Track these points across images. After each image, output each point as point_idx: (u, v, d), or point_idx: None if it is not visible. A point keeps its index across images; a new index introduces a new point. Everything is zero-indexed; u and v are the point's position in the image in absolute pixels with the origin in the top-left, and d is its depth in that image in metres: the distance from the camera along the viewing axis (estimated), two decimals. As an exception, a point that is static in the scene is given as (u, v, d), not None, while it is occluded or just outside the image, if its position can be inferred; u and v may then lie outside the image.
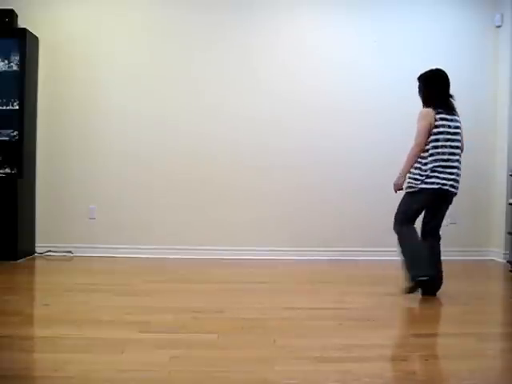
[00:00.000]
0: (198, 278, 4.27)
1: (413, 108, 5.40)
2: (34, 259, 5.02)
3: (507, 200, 5.15)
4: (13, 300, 3.43)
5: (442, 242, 5.32)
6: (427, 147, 3.61)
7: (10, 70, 4.93)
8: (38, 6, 5.17)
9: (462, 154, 3.76)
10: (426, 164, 3.61)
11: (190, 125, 5.25)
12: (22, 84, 4.87)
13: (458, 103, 5.39)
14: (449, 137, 3.63)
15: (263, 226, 5.26)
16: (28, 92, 4.96)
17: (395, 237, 5.29)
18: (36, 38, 5.09)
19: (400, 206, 3.75)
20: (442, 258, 5.36)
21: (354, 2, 5.34)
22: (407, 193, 3.73)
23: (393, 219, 3.74)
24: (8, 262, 4.69)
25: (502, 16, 5.32)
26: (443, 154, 3.60)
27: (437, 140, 3.59)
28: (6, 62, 4.94)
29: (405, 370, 2.28)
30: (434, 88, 3.70)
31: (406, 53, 5.37)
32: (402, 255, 3.63)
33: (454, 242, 5.38)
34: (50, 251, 5.14)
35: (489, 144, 5.42)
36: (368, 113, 5.35)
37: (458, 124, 3.73)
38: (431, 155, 3.60)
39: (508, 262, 4.95)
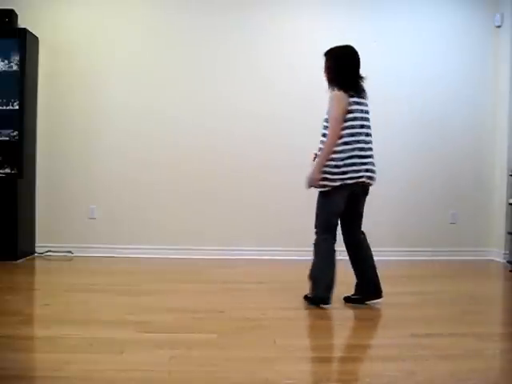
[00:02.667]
0: (198, 278, 4.27)
1: (413, 108, 5.44)
2: (33, 259, 5.02)
3: (507, 200, 5.16)
4: (13, 300, 3.43)
5: (441, 242, 5.41)
6: (341, 134, 3.23)
7: (10, 70, 4.93)
8: (38, 5, 5.17)
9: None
10: (341, 152, 3.24)
11: (191, 125, 5.24)
12: (22, 84, 4.87)
13: (457, 103, 5.46)
14: (363, 123, 3.32)
15: (264, 226, 5.26)
16: (28, 92, 4.96)
17: (395, 237, 5.35)
18: (36, 38, 5.09)
19: (319, 211, 3.36)
20: (442, 257, 5.40)
21: (354, 3, 5.33)
22: (323, 193, 3.32)
23: (314, 228, 3.38)
24: (8, 262, 4.69)
25: (502, 16, 5.32)
26: (359, 142, 3.27)
27: (352, 127, 3.26)
28: (6, 62, 4.94)
29: (405, 369, 2.28)
30: (346, 67, 3.35)
31: (405, 53, 5.37)
32: (313, 266, 3.37)
33: (454, 242, 5.40)
34: (49, 251, 5.14)
35: (489, 144, 5.42)
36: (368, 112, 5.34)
37: (368, 108, 3.42)
38: (346, 144, 3.24)
39: (508, 262, 4.95)
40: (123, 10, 5.25)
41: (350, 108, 3.26)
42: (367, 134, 3.36)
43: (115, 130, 5.23)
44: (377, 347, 2.59)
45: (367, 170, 3.32)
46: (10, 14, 4.89)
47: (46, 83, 5.19)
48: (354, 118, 3.28)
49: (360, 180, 3.28)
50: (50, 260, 5.00)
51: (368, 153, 3.35)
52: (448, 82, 5.39)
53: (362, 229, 3.54)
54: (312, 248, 3.39)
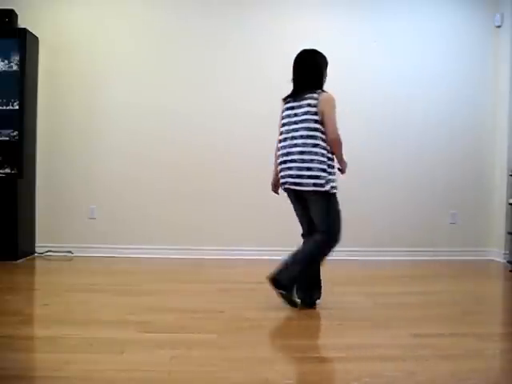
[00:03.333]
0: (198, 278, 4.27)
1: (413, 108, 5.45)
2: (33, 259, 5.02)
3: (507, 200, 5.16)
4: (13, 300, 3.43)
5: (441, 242, 5.40)
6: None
7: (10, 70, 4.94)
8: (38, 6, 5.18)
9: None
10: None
11: (192, 125, 5.25)
12: (22, 84, 4.87)
13: (457, 103, 5.46)
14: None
15: (264, 226, 5.26)
16: (28, 92, 4.96)
17: (395, 237, 5.35)
18: (36, 38, 5.09)
19: (336, 214, 3.38)
20: (442, 258, 5.40)
21: (354, 3, 5.34)
22: (334, 195, 3.34)
23: (329, 233, 3.34)
24: (8, 262, 4.69)
25: (502, 16, 5.32)
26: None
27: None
28: (6, 62, 4.95)
29: (405, 369, 2.28)
30: (326, 70, 3.40)
31: (405, 53, 5.37)
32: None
33: (454, 242, 5.40)
34: (49, 251, 5.14)
35: (489, 144, 5.43)
36: (367, 112, 5.35)
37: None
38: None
39: (508, 262, 4.95)
40: (123, 10, 5.25)
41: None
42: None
43: (115, 129, 5.23)
44: (377, 347, 2.59)
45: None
46: (10, 14, 4.89)
47: (46, 83, 5.19)
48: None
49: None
50: (49, 260, 5.00)
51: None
52: (448, 82, 5.39)
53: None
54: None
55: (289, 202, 3.52)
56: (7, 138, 4.94)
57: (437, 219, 5.40)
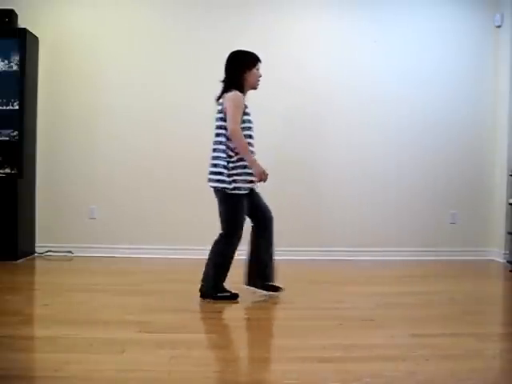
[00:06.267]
0: (198, 278, 4.26)
1: (413, 108, 5.44)
2: (34, 259, 5.02)
3: (507, 200, 5.15)
4: (13, 300, 3.43)
5: (441, 242, 5.40)
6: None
7: (10, 70, 4.93)
8: (38, 5, 5.17)
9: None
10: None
11: (193, 125, 5.22)
12: (22, 84, 4.87)
13: (457, 103, 5.45)
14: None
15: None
16: (28, 92, 4.96)
17: (395, 237, 5.35)
18: (36, 38, 5.09)
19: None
20: (442, 258, 5.41)
21: (354, 3, 5.33)
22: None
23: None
24: (8, 262, 4.68)
25: (502, 16, 5.32)
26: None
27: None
28: (6, 62, 4.94)
29: (405, 370, 2.28)
30: (247, 69, 3.50)
31: (405, 53, 5.36)
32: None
33: (454, 242, 5.40)
34: (49, 251, 5.14)
35: (489, 144, 5.42)
36: (366, 112, 5.35)
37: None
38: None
39: (508, 262, 4.95)
40: (123, 10, 5.24)
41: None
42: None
43: (116, 129, 5.23)
44: (377, 347, 2.59)
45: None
46: (10, 14, 4.89)
47: (46, 83, 5.18)
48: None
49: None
50: (50, 260, 5.00)
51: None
52: (448, 81, 5.39)
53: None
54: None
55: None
56: (7, 138, 4.94)
57: (437, 219, 5.39)
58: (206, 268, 3.50)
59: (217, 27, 5.24)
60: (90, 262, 4.87)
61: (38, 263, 4.89)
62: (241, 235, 3.45)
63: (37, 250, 5.19)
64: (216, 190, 3.39)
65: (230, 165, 3.33)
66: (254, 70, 3.50)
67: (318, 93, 5.32)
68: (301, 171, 5.31)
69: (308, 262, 5.06)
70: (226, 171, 3.32)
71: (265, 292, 3.55)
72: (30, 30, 4.94)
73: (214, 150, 3.39)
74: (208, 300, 3.43)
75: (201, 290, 3.48)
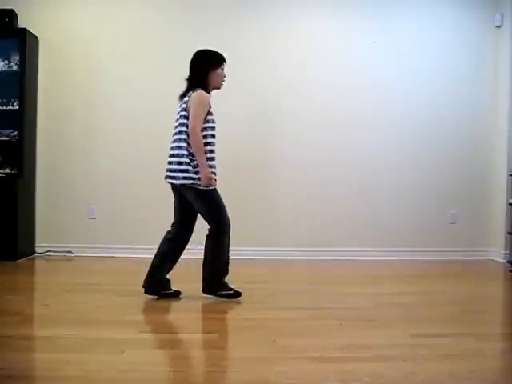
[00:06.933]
0: (198, 278, 4.26)
1: (412, 108, 5.44)
2: (33, 259, 5.02)
3: (507, 200, 5.15)
4: (13, 300, 3.43)
5: (441, 242, 5.40)
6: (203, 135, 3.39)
7: (10, 70, 4.93)
8: (38, 5, 5.17)
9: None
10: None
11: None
12: (22, 84, 4.87)
13: (457, 103, 5.45)
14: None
15: (264, 226, 5.25)
16: (28, 92, 4.96)
17: (395, 237, 5.34)
18: (36, 38, 5.09)
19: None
20: (442, 258, 5.40)
21: (354, 3, 5.33)
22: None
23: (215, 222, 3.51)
24: (8, 262, 4.68)
25: (502, 16, 5.32)
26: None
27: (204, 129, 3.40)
28: (6, 62, 4.94)
29: (405, 370, 2.28)
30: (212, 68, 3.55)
31: (405, 53, 5.37)
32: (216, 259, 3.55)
33: (454, 242, 5.40)
34: (49, 251, 5.14)
35: (489, 144, 5.42)
36: (366, 112, 5.35)
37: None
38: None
39: (508, 261, 4.95)
40: (123, 11, 5.24)
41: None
42: None
43: (115, 129, 5.23)
44: (377, 347, 2.59)
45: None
46: (10, 14, 4.89)
47: (46, 83, 5.18)
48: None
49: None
50: (49, 260, 5.00)
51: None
52: (448, 81, 5.39)
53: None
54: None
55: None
56: (7, 138, 4.94)
57: (437, 219, 5.39)
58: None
59: (217, 28, 5.24)
60: (90, 262, 4.87)
61: (38, 263, 4.89)
62: (229, 221, 3.49)
63: (37, 249, 5.19)
64: (184, 186, 3.40)
65: (194, 162, 3.36)
66: (219, 70, 3.52)
67: (319, 93, 5.32)
68: (303, 171, 5.30)
69: (308, 262, 5.06)
70: (191, 168, 3.36)
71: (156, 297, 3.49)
72: (30, 30, 4.94)
73: (176, 148, 3.43)
74: (210, 296, 3.42)
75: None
